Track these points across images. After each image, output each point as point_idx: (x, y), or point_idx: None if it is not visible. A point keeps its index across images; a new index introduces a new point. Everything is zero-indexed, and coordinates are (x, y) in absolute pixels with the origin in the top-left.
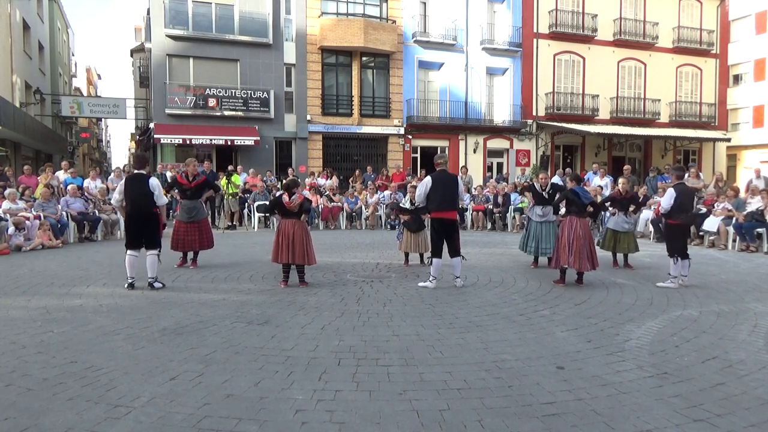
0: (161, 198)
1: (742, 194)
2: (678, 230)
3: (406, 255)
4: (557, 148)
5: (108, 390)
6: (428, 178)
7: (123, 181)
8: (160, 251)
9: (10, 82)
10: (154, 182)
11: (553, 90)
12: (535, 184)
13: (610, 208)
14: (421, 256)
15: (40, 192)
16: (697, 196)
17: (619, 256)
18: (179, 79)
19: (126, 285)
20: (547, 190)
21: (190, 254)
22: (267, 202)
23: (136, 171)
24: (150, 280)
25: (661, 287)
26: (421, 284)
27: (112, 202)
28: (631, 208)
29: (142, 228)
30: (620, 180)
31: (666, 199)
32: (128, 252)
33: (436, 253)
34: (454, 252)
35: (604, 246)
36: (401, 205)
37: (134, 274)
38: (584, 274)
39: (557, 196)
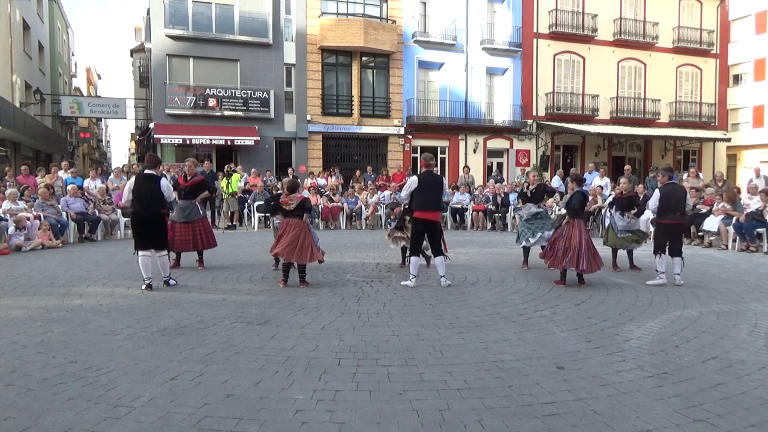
0: (171, 196)
1: (744, 194)
2: (666, 230)
3: (403, 255)
4: (557, 148)
5: (108, 390)
6: (415, 178)
7: (133, 179)
8: (169, 252)
9: (10, 82)
10: (164, 183)
11: (553, 90)
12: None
13: (611, 210)
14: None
15: (41, 191)
16: (698, 195)
17: (625, 259)
18: (179, 79)
19: (143, 286)
20: (530, 189)
21: (188, 256)
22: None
23: (146, 171)
24: (165, 278)
25: (651, 285)
26: (402, 283)
27: (122, 201)
28: (633, 211)
29: (151, 229)
30: (621, 180)
31: (653, 200)
32: (140, 254)
33: (415, 251)
34: (437, 252)
35: (607, 242)
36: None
37: (150, 274)
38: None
39: (549, 195)
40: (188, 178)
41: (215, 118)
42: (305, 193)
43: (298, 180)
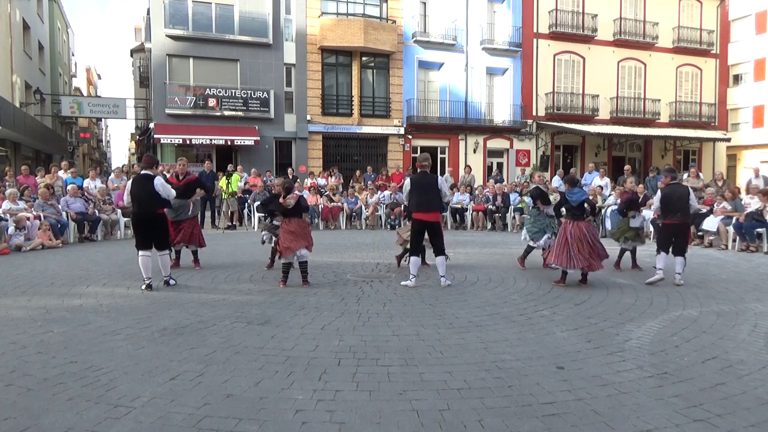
0: (170, 193)
1: (743, 195)
2: (668, 229)
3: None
4: (557, 148)
5: (108, 390)
6: (407, 180)
7: (130, 181)
8: (171, 251)
9: (10, 82)
10: (158, 182)
11: (553, 90)
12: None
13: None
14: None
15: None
16: (698, 195)
17: (627, 259)
18: (179, 79)
19: (143, 286)
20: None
21: (186, 257)
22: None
23: (142, 171)
24: (165, 278)
25: (649, 282)
26: (402, 283)
27: (122, 202)
28: (630, 214)
29: (150, 229)
30: (629, 180)
31: (655, 201)
32: (140, 253)
33: (414, 251)
34: (438, 251)
35: (613, 235)
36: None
37: (150, 274)
38: (586, 274)
39: (543, 200)
40: (180, 177)
41: (215, 118)
42: (305, 193)
43: (292, 182)
